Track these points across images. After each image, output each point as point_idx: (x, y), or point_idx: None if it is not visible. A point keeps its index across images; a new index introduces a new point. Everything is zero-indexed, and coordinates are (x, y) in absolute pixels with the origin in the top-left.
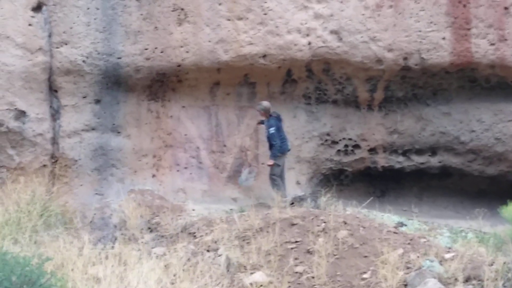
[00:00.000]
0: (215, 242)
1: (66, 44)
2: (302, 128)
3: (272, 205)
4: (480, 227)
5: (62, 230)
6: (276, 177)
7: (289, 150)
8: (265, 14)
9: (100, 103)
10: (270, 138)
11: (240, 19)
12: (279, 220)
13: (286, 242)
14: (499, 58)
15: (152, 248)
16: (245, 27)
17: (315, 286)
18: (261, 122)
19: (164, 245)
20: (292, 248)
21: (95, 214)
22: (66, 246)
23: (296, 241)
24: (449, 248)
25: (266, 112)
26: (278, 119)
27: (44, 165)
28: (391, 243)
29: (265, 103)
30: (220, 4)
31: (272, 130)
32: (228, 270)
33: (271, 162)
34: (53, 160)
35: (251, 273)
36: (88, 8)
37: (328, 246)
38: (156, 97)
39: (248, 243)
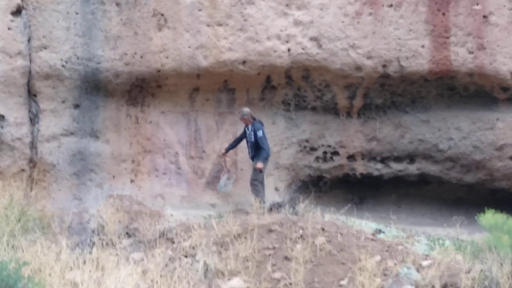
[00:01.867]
0: (193, 248)
1: (45, 48)
2: (281, 135)
3: (250, 211)
4: (458, 234)
5: (40, 235)
6: (259, 183)
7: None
8: (245, 20)
9: (79, 108)
10: (259, 141)
11: (220, 25)
12: (257, 226)
13: (264, 248)
14: (478, 66)
15: (130, 253)
16: (225, 33)
17: None
18: (226, 151)
19: (142, 250)
20: (270, 255)
21: (73, 219)
22: (43, 251)
23: (274, 248)
24: (427, 255)
25: (248, 118)
26: (261, 122)
27: (22, 170)
28: (369, 250)
29: (246, 109)
30: (200, 10)
31: (260, 133)
32: (206, 276)
33: (260, 165)
34: (32, 165)
35: (229, 279)
36: (67, 13)
37: (306, 252)
38: (136, 102)
39: (226, 249)
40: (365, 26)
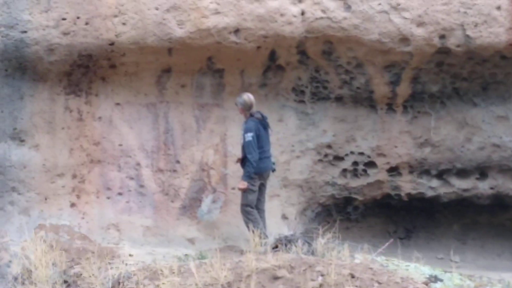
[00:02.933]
0: None
1: None
2: (292, 137)
3: (245, 249)
4: None
5: None
6: (251, 209)
7: (273, 170)
8: None
9: None
10: (244, 147)
11: None
12: (255, 271)
13: None
14: None
15: None
16: None
17: None
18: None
19: None
20: None
21: None
22: None
23: None
24: None
25: (245, 109)
26: (262, 123)
27: None
28: None
29: (246, 96)
30: None
31: (248, 136)
32: None
33: (243, 185)
34: None
35: None
36: None
37: None
38: (78, 90)
39: None
40: None
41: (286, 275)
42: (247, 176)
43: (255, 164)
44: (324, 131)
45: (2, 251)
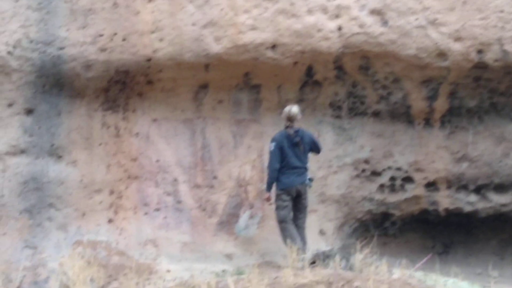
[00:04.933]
0: None
1: None
2: (329, 153)
3: (283, 264)
4: None
5: None
6: (286, 224)
7: (309, 186)
8: None
9: (33, 114)
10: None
11: None
12: (293, 287)
13: None
14: None
15: None
16: (246, 3)
17: None
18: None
19: None
20: None
21: (24, 276)
22: None
23: None
24: None
25: (285, 120)
26: (290, 137)
27: None
28: None
29: (287, 108)
30: None
31: (271, 146)
32: None
33: (267, 195)
34: None
35: None
36: None
37: None
38: (115, 106)
39: None
40: None
41: None
42: (267, 186)
43: (273, 174)
44: (362, 146)
45: (40, 267)
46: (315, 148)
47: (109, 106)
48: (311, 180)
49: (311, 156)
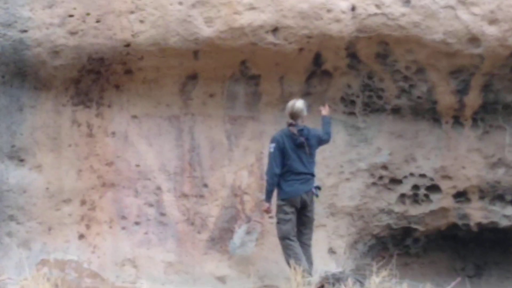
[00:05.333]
0: None
1: None
2: (340, 156)
3: None
4: None
5: None
6: (289, 241)
7: (316, 195)
8: None
9: None
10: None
11: None
12: None
13: None
14: None
15: None
16: None
17: None
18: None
19: None
20: None
21: None
22: None
23: None
24: None
25: (288, 117)
26: (293, 138)
27: None
28: None
29: (291, 102)
30: None
31: (270, 147)
32: None
33: (265, 205)
34: None
35: None
36: None
37: None
38: (88, 101)
39: None
40: None
41: None
42: (266, 195)
43: (271, 181)
44: (379, 149)
45: None
46: (322, 139)
47: (80, 100)
48: (318, 188)
49: (318, 160)
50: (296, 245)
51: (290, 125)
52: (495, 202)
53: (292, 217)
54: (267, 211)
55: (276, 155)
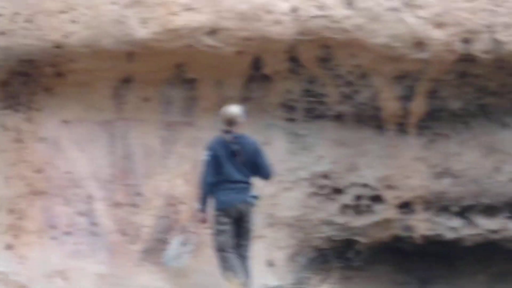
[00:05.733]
0: None
1: None
2: (279, 164)
3: None
4: None
5: None
6: (225, 253)
7: (251, 205)
8: None
9: None
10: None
11: None
12: None
13: None
14: None
15: None
16: None
17: None
18: None
19: None
20: None
21: None
22: None
23: None
24: None
25: (223, 124)
26: (227, 145)
27: None
28: None
29: (225, 109)
30: None
31: (205, 155)
32: None
33: (200, 216)
34: None
35: None
36: None
37: None
38: (16, 104)
39: None
40: None
41: None
42: (199, 205)
43: (204, 189)
44: (320, 157)
45: None
46: (260, 168)
47: (8, 104)
48: (255, 198)
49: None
50: (232, 257)
51: (225, 132)
52: (440, 213)
53: (228, 228)
54: (203, 221)
55: (209, 163)
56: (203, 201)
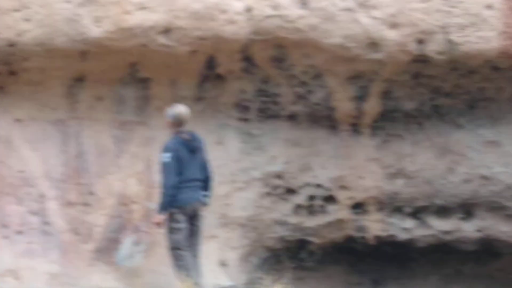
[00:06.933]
0: None
1: None
2: (233, 164)
3: None
4: None
5: None
6: (180, 252)
7: (204, 204)
8: None
9: None
10: (161, 172)
11: None
12: None
13: None
14: None
15: None
16: None
17: None
18: None
19: None
20: None
21: None
22: None
23: None
24: None
25: (175, 125)
26: (188, 145)
27: None
28: None
29: (181, 109)
30: None
31: (165, 157)
32: None
33: (157, 219)
34: None
35: None
36: None
37: None
38: None
39: None
40: None
41: None
42: (162, 208)
43: (171, 192)
44: (274, 157)
45: None
46: (206, 164)
47: None
48: (206, 196)
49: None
50: (188, 257)
51: (180, 132)
52: (394, 214)
53: (184, 226)
54: (159, 224)
55: (173, 165)
56: (167, 205)
